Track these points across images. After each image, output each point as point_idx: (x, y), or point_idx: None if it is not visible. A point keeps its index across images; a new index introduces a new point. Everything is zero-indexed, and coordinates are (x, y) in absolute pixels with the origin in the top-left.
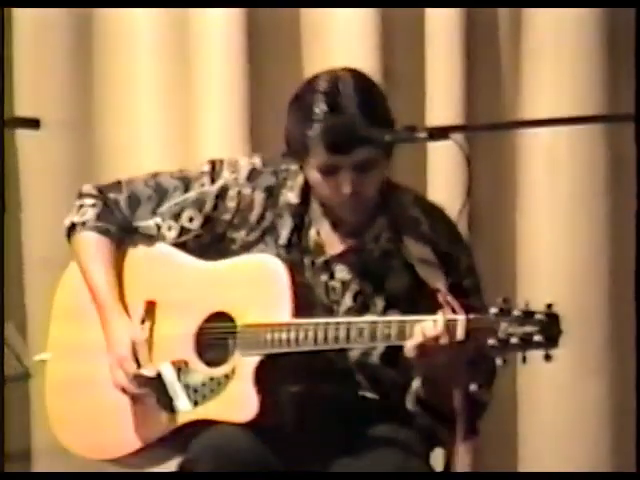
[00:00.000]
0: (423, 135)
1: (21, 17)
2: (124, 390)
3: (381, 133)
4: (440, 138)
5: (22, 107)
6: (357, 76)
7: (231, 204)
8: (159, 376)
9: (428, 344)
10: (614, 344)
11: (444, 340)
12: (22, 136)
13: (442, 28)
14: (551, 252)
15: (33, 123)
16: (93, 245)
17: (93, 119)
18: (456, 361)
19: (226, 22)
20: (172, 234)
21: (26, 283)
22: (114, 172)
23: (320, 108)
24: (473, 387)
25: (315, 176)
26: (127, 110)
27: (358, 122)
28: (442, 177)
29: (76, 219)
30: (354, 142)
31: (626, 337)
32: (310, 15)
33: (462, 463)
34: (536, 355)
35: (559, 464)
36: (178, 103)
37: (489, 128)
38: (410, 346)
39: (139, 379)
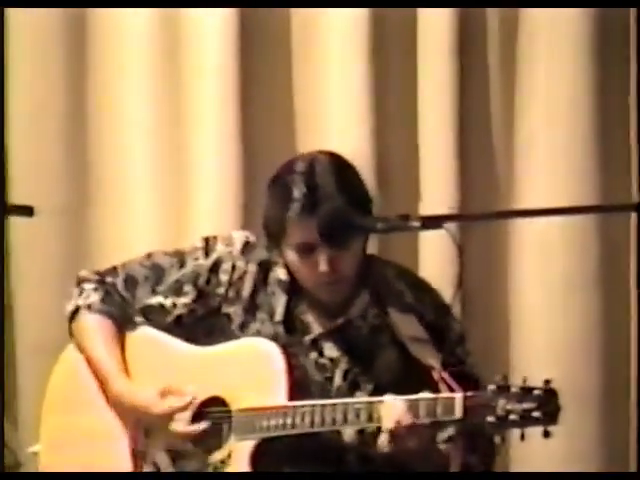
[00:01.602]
0: (416, 224)
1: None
2: (183, 436)
3: (374, 222)
4: (433, 227)
5: (16, 194)
6: (333, 157)
7: (224, 277)
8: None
9: (396, 431)
10: (608, 430)
11: (406, 421)
12: (15, 223)
13: (435, 115)
14: (544, 340)
15: (27, 210)
16: (97, 327)
17: (86, 206)
18: (426, 440)
19: (218, 26)
20: (177, 311)
21: (18, 369)
22: (107, 259)
23: (298, 188)
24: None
25: (292, 256)
26: (119, 197)
27: (348, 210)
28: (434, 266)
29: (80, 302)
30: (347, 231)
31: (620, 422)
32: (301, 16)
33: None
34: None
35: None
36: (171, 182)
37: (482, 218)
38: (383, 440)
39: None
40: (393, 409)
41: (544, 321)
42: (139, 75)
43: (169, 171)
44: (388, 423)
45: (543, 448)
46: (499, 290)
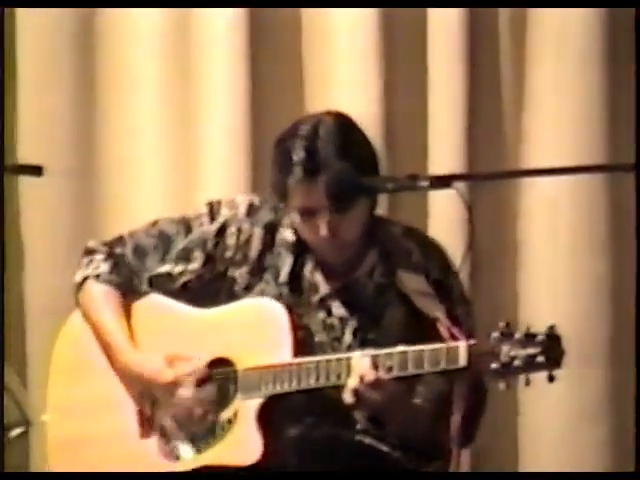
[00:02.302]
0: (425, 184)
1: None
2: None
3: (383, 182)
4: (442, 187)
5: (25, 154)
6: (338, 118)
7: (231, 241)
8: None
9: (360, 387)
10: (614, 391)
11: (370, 377)
12: (24, 183)
13: (445, 76)
14: (552, 299)
15: (36, 170)
16: (105, 296)
17: (95, 167)
18: (395, 397)
19: (228, 25)
20: (185, 277)
21: (27, 331)
22: (116, 220)
23: (298, 154)
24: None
25: (295, 218)
26: (129, 158)
27: (355, 172)
28: (443, 226)
29: (89, 272)
30: (356, 192)
31: (626, 386)
32: (311, 16)
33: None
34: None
35: None
36: (179, 151)
37: (491, 177)
38: (347, 394)
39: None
40: (359, 364)
41: (552, 279)
42: (149, 74)
43: (178, 133)
44: (352, 379)
45: (550, 401)
46: (508, 249)
